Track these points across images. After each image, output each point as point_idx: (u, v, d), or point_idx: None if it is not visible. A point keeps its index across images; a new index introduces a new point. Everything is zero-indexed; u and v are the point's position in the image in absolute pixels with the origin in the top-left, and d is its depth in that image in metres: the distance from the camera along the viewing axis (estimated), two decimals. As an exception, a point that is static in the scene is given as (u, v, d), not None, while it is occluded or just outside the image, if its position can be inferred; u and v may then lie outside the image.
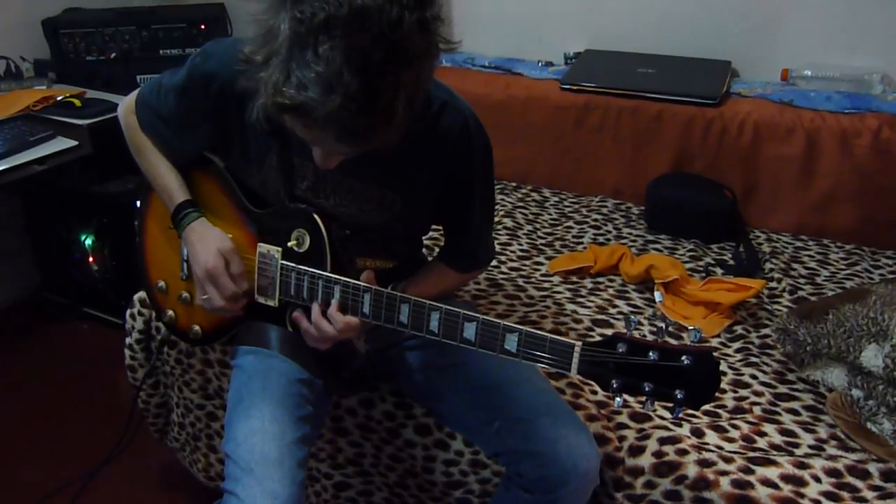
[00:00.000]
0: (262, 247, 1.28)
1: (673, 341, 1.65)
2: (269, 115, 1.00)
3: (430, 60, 0.97)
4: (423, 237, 1.53)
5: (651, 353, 1.00)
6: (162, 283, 1.46)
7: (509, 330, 1.07)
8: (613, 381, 1.02)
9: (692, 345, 0.99)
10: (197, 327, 1.43)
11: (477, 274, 1.69)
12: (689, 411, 1.39)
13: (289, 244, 1.25)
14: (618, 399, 1.04)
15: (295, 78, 0.91)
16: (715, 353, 1.09)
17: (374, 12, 0.88)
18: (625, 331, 1.03)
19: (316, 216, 1.22)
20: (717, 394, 1.16)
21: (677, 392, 0.99)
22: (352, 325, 1.18)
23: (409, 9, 0.90)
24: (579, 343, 1.03)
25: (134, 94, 1.37)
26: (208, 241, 1.28)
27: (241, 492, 1.16)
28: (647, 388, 1.01)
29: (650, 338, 1.63)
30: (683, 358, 0.98)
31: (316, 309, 1.19)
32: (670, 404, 1.01)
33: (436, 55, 0.98)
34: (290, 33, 0.91)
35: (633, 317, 1.04)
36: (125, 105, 1.38)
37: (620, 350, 1.01)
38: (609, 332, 1.66)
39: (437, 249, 1.96)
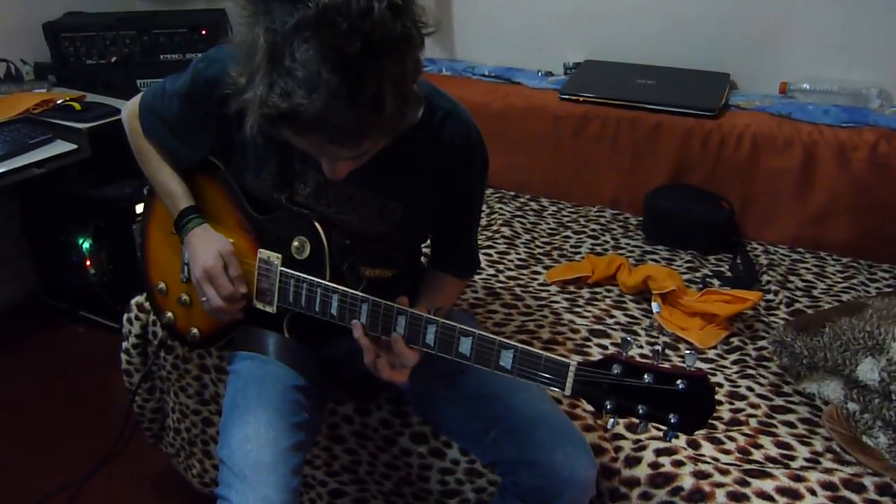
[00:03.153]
0: (263, 252, 1.28)
1: (669, 352, 1.66)
2: (263, 131, 0.99)
3: (413, 47, 0.95)
4: (422, 245, 1.53)
5: (646, 376, 0.99)
6: (162, 285, 1.46)
7: (505, 347, 1.07)
8: (607, 403, 1.01)
9: (688, 369, 0.98)
10: (195, 330, 1.43)
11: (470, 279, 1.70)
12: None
13: (289, 251, 1.25)
14: (611, 420, 1.03)
15: (278, 87, 0.91)
16: (710, 378, 1.08)
17: (341, 6, 0.88)
18: (620, 352, 1.02)
19: (317, 224, 1.22)
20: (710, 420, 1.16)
21: (671, 416, 0.99)
22: (408, 357, 1.17)
23: None
24: (574, 362, 1.02)
25: (137, 98, 1.37)
26: (209, 244, 1.29)
27: (234, 497, 1.16)
28: (640, 411, 1.00)
29: (647, 350, 1.65)
30: (678, 382, 0.97)
31: (399, 341, 1.16)
32: (664, 427, 1.01)
33: (418, 42, 0.96)
34: (267, 46, 0.91)
35: (629, 337, 1.04)
36: (128, 109, 1.38)
37: (615, 371, 1.00)
38: (606, 342, 1.68)
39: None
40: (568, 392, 1.03)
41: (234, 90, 0.98)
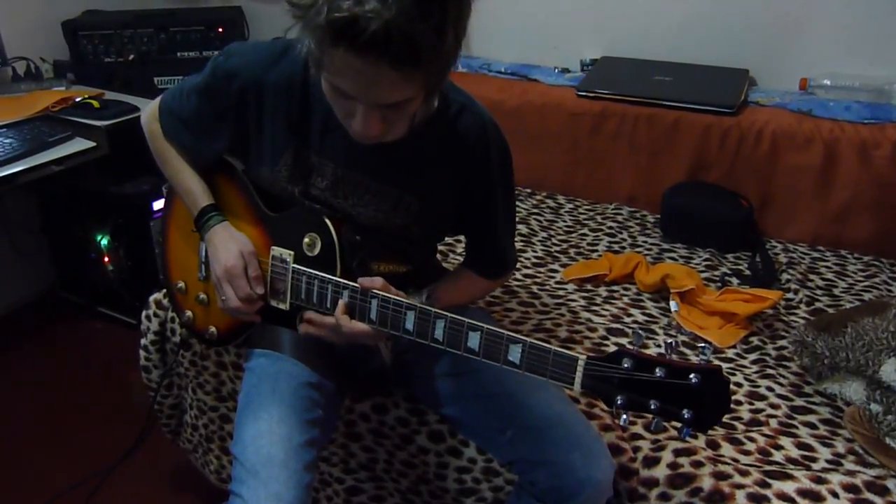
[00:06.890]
0: (275, 250, 1.28)
1: (687, 351, 1.65)
2: (315, 55, 0.98)
3: None
4: (438, 243, 1.52)
5: (658, 370, 0.96)
6: (182, 284, 1.47)
7: (513, 341, 1.06)
8: (618, 398, 0.98)
9: (701, 363, 0.96)
10: (213, 328, 1.44)
11: (505, 280, 1.67)
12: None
13: (301, 248, 1.25)
14: (624, 416, 1.00)
15: None
16: (725, 372, 1.05)
17: None
18: (631, 345, 1.00)
19: (327, 220, 1.22)
20: (725, 417, 1.12)
21: (684, 412, 0.96)
22: (357, 330, 1.18)
23: None
24: (583, 357, 1.01)
25: (156, 101, 1.39)
26: (230, 243, 1.29)
27: (245, 493, 1.16)
28: (653, 406, 0.97)
29: (663, 349, 1.63)
30: (692, 376, 0.95)
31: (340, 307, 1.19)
32: (678, 424, 0.98)
33: None
34: None
35: (640, 331, 1.02)
36: (148, 113, 1.39)
37: (626, 365, 0.98)
38: (624, 340, 1.66)
39: (449, 255, 1.96)
40: (577, 387, 1.01)
41: (292, 11, 0.97)
